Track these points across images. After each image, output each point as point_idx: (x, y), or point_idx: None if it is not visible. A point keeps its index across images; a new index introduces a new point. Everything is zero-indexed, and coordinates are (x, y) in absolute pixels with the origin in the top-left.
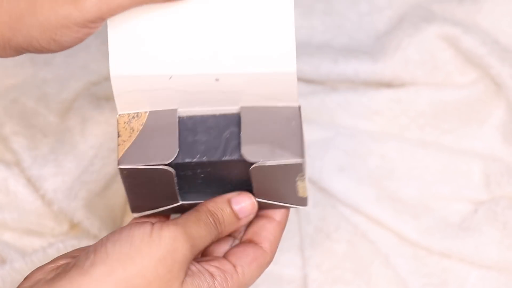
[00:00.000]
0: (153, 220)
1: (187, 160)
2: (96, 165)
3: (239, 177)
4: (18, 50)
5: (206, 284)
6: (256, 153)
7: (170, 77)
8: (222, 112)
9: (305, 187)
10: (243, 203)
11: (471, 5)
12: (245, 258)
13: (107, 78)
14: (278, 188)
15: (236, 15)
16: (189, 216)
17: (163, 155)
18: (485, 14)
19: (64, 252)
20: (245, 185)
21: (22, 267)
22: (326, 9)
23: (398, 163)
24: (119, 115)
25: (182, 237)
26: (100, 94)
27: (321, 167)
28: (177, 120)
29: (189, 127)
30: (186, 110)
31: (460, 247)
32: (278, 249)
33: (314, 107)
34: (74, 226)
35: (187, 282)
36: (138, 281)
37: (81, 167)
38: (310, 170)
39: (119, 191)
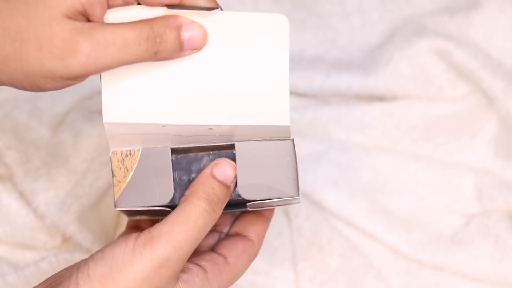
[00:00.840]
0: (140, 229)
1: None
2: (88, 179)
3: (235, 206)
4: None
5: (199, 281)
6: (253, 191)
7: (163, 126)
8: (216, 149)
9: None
10: (224, 169)
11: (462, 19)
12: (235, 250)
13: (100, 92)
14: (273, 207)
15: (231, 66)
16: (176, 215)
17: (159, 196)
18: (477, 28)
19: (57, 266)
20: (240, 207)
21: (15, 281)
22: (318, 23)
23: (391, 176)
24: (112, 152)
25: (165, 251)
26: (93, 107)
27: (313, 180)
28: (170, 158)
29: (184, 167)
30: (179, 147)
31: (453, 260)
32: (270, 262)
33: (307, 120)
34: (66, 239)
35: (179, 286)
36: None
37: (73, 180)
38: (302, 183)
39: (111, 204)
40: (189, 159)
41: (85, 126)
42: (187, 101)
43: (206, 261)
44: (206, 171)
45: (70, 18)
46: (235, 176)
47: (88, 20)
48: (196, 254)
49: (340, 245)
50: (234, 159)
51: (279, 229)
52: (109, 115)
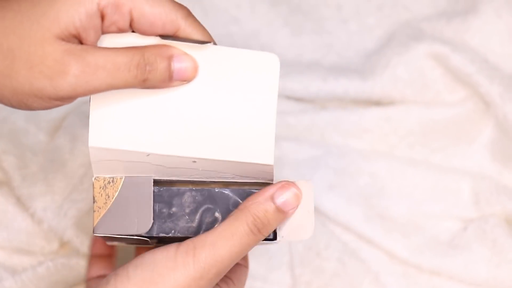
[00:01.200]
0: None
1: (161, 235)
2: (85, 184)
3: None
4: None
5: None
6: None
7: (148, 155)
8: (199, 186)
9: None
10: (286, 196)
11: (459, 24)
12: (234, 273)
13: None
14: None
15: (219, 101)
16: (222, 229)
17: (138, 225)
18: (474, 32)
19: (54, 270)
20: None
21: (12, 286)
22: (315, 28)
23: (388, 181)
24: (95, 178)
25: (209, 263)
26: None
27: None
28: (152, 189)
29: (165, 199)
30: (162, 179)
31: (450, 265)
32: (268, 267)
33: (304, 125)
34: (64, 244)
35: None
36: None
37: (70, 185)
38: None
39: None
40: (171, 192)
41: (82, 131)
42: (173, 132)
43: (222, 282)
44: (270, 191)
45: (63, 40)
46: (297, 206)
47: (81, 43)
48: None
49: (338, 250)
50: (214, 198)
51: None
52: (95, 140)
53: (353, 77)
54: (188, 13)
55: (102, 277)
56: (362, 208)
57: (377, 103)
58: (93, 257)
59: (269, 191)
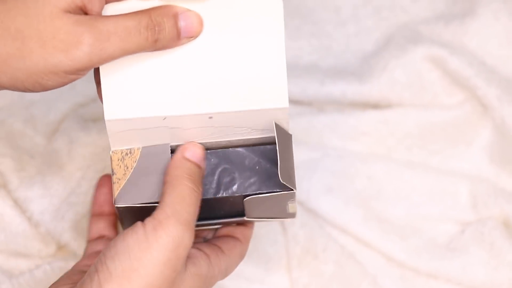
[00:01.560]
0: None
1: None
2: (83, 187)
3: (231, 204)
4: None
5: (204, 264)
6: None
7: (164, 118)
8: (214, 147)
9: (295, 206)
10: (196, 151)
11: (457, 27)
12: (227, 243)
13: (94, 100)
14: (269, 210)
15: (228, 53)
16: (172, 198)
17: (159, 193)
18: (472, 35)
19: (51, 274)
20: (237, 207)
21: None
22: (313, 30)
23: (386, 184)
24: (113, 151)
25: (179, 230)
26: (87, 115)
27: (308, 188)
28: (170, 156)
29: None
30: (178, 145)
31: (448, 268)
32: (265, 270)
33: (302, 128)
34: (61, 247)
35: (191, 272)
36: None
37: (68, 188)
38: (297, 191)
39: None
40: None
41: (80, 134)
42: (186, 91)
43: (206, 248)
44: (178, 155)
45: (70, 12)
46: (204, 156)
47: (87, 14)
48: (198, 241)
49: (335, 253)
50: (229, 158)
51: (274, 237)
52: (110, 113)
53: (351, 79)
54: None
55: (102, 238)
56: (360, 210)
57: (375, 105)
58: (94, 217)
59: (178, 155)
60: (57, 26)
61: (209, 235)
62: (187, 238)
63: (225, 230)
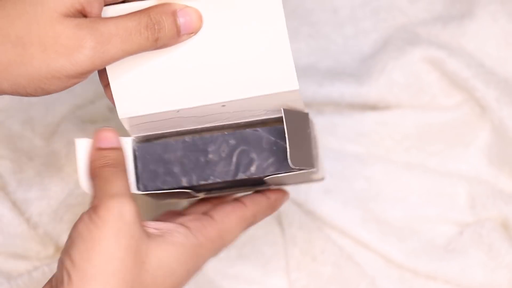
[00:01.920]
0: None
1: (201, 182)
2: (81, 189)
3: (252, 180)
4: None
5: (180, 236)
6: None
7: (178, 111)
8: (232, 127)
9: (321, 173)
10: (108, 138)
11: (455, 28)
12: (222, 210)
13: (92, 102)
14: (292, 181)
15: (231, 43)
16: (98, 187)
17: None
18: (470, 37)
19: (50, 275)
20: (256, 185)
21: None
22: (311, 32)
23: (384, 185)
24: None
25: (113, 202)
26: (85, 117)
27: (307, 189)
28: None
29: (200, 148)
30: (197, 128)
31: (446, 269)
32: (264, 271)
33: None
34: (59, 249)
35: (158, 241)
36: (111, 266)
37: (66, 190)
38: (296, 192)
39: None
40: (205, 140)
41: (78, 135)
42: (196, 83)
43: (187, 220)
44: (92, 148)
45: (69, 16)
46: (116, 135)
47: (86, 17)
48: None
49: (334, 254)
50: (247, 139)
51: (273, 239)
52: (123, 111)
53: (349, 81)
54: None
55: None
56: (358, 212)
57: (373, 107)
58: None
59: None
60: (57, 31)
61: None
62: (126, 203)
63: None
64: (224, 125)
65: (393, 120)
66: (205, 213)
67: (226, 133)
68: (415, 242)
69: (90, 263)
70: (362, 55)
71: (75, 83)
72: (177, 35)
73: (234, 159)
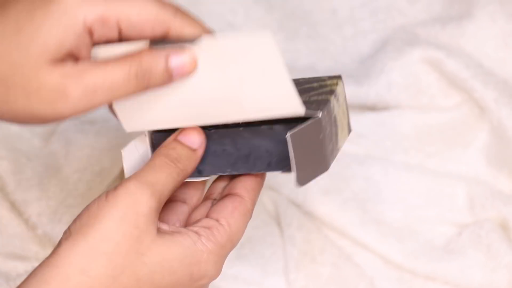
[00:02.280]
0: None
1: (218, 174)
2: (80, 189)
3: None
4: None
5: (189, 239)
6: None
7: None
8: (245, 124)
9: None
10: (192, 136)
11: (454, 29)
12: (225, 210)
13: None
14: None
15: (230, 77)
16: (143, 167)
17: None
18: (469, 37)
19: None
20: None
21: None
22: (310, 32)
23: (383, 186)
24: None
25: (138, 187)
26: (84, 118)
27: (305, 190)
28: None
29: (216, 140)
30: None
31: (445, 270)
32: (262, 272)
33: None
34: None
35: (165, 238)
36: (104, 246)
37: (65, 190)
38: (294, 193)
39: None
40: (221, 133)
41: (77, 136)
42: (200, 105)
43: (198, 227)
44: (171, 137)
45: (56, 62)
46: (202, 140)
47: (75, 58)
48: (190, 224)
49: (332, 255)
50: (261, 133)
51: (271, 239)
52: (129, 126)
53: (348, 82)
54: (176, 10)
55: None
56: (357, 212)
57: (372, 108)
58: None
59: (171, 137)
60: (42, 79)
61: (217, 197)
62: (146, 196)
63: (227, 189)
64: (240, 123)
65: (392, 120)
66: (209, 217)
67: (240, 129)
68: (414, 242)
69: (85, 237)
70: (361, 55)
71: (60, 122)
72: (169, 80)
73: (249, 152)
